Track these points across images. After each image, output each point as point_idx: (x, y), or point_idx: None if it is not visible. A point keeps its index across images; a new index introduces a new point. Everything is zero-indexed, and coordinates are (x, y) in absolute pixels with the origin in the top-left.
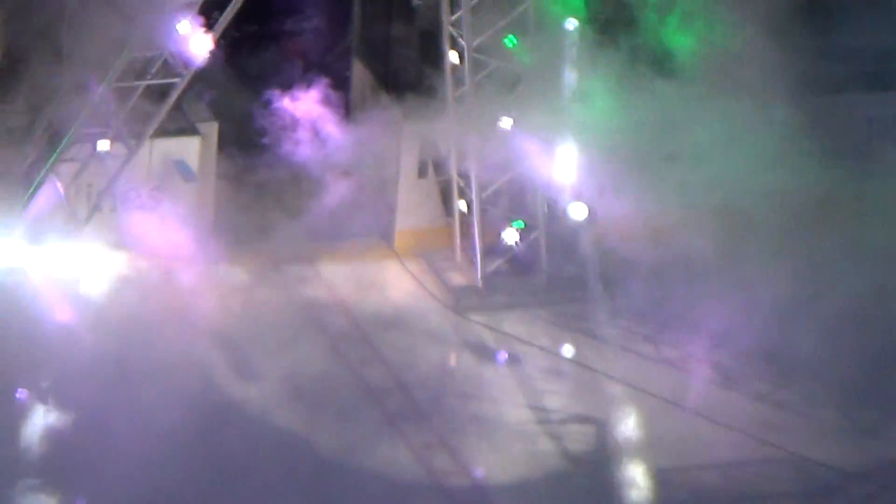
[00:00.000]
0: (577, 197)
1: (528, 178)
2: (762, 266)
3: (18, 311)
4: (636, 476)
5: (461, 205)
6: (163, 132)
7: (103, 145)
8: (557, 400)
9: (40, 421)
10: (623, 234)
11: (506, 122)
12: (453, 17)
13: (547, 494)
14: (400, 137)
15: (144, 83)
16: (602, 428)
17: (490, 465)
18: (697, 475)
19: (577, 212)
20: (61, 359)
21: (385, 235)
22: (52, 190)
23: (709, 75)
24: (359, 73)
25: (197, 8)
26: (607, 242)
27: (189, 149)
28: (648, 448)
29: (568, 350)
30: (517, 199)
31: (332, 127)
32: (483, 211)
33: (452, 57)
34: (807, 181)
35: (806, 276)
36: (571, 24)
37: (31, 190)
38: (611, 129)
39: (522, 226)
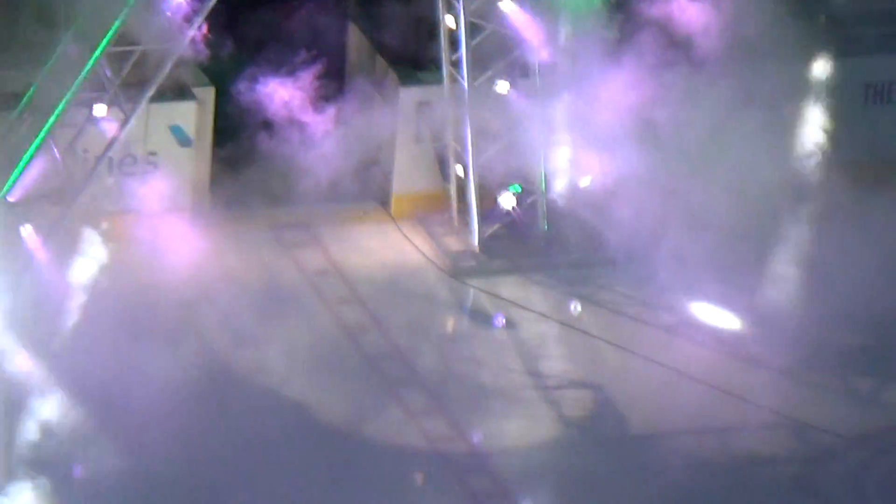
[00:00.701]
0: (576, 163)
1: (525, 142)
2: (766, 230)
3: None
4: (632, 442)
5: (458, 170)
6: (159, 97)
7: (99, 110)
8: (554, 364)
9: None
10: (623, 198)
11: (502, 87)
12: None
13: (543, 459)
14: (396, 102)
15: (140, 48)
16: (598, 393)
17: (487, 430)
18: (694, 441)
19: (581, 178)
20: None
21: (382, 200)
22: (48, 155)
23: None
24: (355, 38)
25: None
26: (608, 207)
27: (185, 113)
28: (645, 414)
29: (565, 315)
30: (514, 163)
31: (327, 92)
32: (480, 176)
33: (448, 21)
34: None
35: (809, 244)
36: None
37: (28, 155)
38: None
39: (519, 190)
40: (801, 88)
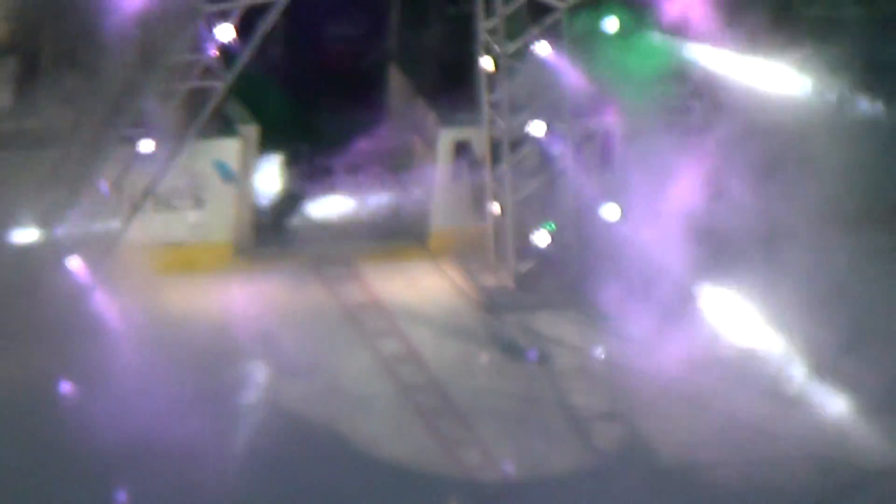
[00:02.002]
0: (609, 199)
1: (559, 181)
2: (792, 255)
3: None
4: (656, 472)
5: (495, 207)
6: (204, 134)
7: (146, 146)
8: (585, 396)
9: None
10: (653, 233)
11: (537, 128)
12: (488, 25)
13: (572, 488)
14: (435, 142)
15: (187, 86)
16: (626, 424)
17: (519, 459)
18: (716, 472)
19: (610, 213)
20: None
21: (421, 237)
22: (96, 189)
23: None
24: (396, 78)
25: (239, 14)
26: (638, 243)
27: (229, 150)
28: (670, 445)
29: (596, 348)
30: (549, 202)
31: (369, 131)
32: (516, 214)
33: (487, 63)
34: None
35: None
36: (612, 24)
37: (77, 189)
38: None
39: (553, 228)
40: None
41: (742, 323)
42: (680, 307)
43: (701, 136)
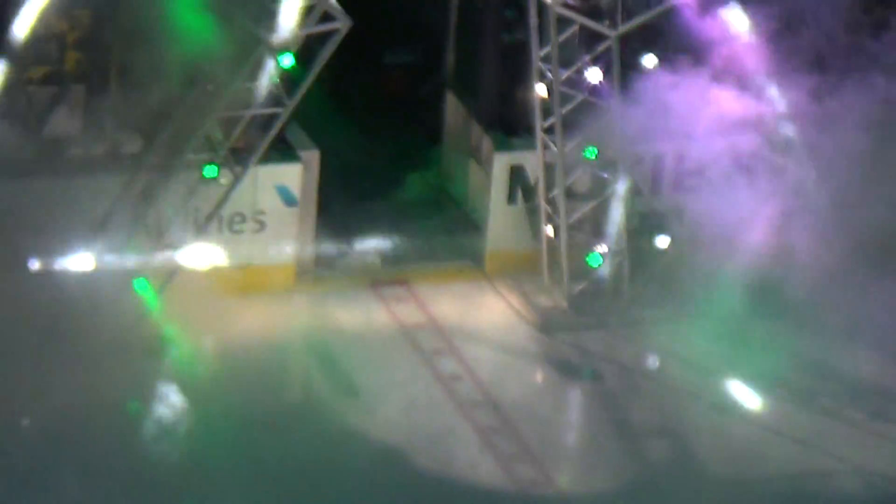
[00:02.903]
0: (660, 222)
1: (612, 204)
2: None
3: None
4: (707, 488)
5: (549, 230)
6: (266, 159)
7: (210, 171)
8: (637, 415)
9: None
10: (706, 254)
11: (591, 152)
12: (542, 53)
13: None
14: (491, 167)
15: (250, 112)
16: (678, 442)
17: (574, 476)
18: (766, 487)
19: (661, 240)
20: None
21: (477, 259)
22: (162, 212)
23: None
24: (452, 105)
25: (300, 41)
26: (691, 263)
27: (291, 175)
28: (720, 461)
29: (649, 368)
30: (602, 224)
31: (426, 156)
32: (569, 235)
33: (541, 90)
34: None
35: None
36: (650, 60)
37: (145, 212)
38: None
39: (606, 249)
40: None
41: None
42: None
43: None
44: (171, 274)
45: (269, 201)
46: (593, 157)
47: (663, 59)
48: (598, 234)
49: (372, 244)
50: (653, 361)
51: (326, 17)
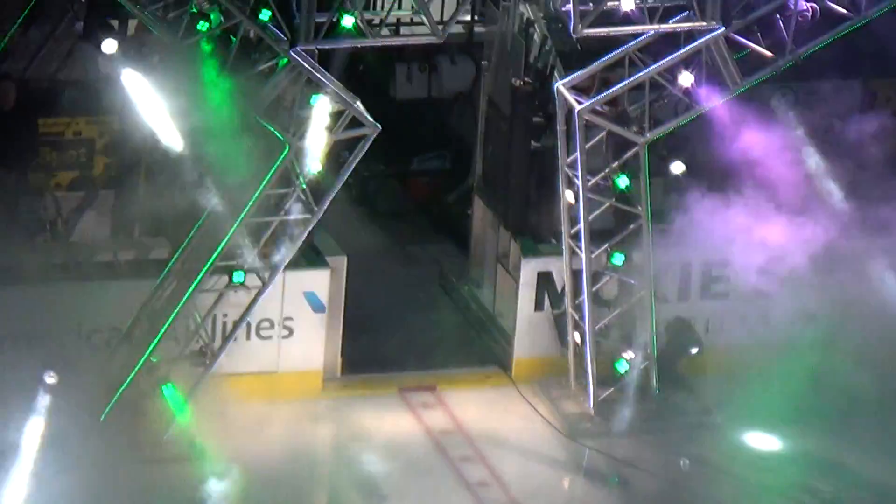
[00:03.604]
0: (687, 332)
1: (640, 311)
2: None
3: None
4: None
5: (575, 336)
6: (294, 264)
7: (238, 277)
8: None
9: None
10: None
11: (617, 258)
12: (569, 159)
13: None
14: (518, 272)
15: (278, 218)
16: None
17: None
18: None
19: (690, 347)
20: None
21: (503, 364)
22: (190, 319)
23: None
24: (480, 210)
25: (328, 147)
26: (718, 368)
27: (319, 281)
28: None
29: (676, 474)
30: (629, 330)
31: (453, 261)
32: (596, 342)
33: (568, 196)
34: None
35: None
36: (678, 168)
37: (170, 319)
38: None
39: (632, 356)
40: None
41: None
42: None
43: None
44: (199, 380)
45: (297, 307)
46: (620, 265)
47: (694, 169)
48: (625, 340)
49: (399, 349)
50: (684, 465)
51: (354, 122)
